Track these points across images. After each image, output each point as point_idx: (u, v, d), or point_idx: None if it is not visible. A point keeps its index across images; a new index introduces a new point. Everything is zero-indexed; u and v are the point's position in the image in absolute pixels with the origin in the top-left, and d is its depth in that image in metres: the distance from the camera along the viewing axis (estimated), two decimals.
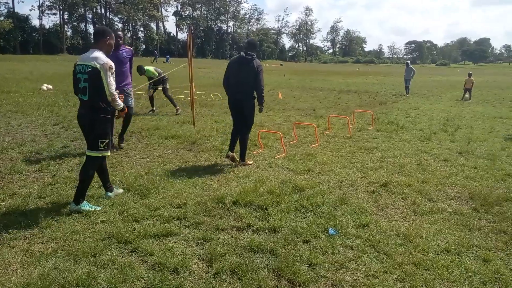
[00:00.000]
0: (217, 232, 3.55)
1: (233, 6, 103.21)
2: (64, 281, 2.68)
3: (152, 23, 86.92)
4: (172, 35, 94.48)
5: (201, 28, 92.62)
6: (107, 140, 3.99)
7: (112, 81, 3.84)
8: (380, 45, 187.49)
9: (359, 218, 3.91)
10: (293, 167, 5.73)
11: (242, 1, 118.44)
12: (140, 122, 8.99)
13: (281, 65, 68.17)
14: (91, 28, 79.11)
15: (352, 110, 11.63)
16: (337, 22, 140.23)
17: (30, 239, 3.33)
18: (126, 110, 4.17)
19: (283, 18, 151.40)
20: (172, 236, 3.45)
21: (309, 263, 3.05)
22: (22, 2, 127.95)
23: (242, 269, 2.89)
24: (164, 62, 50.74)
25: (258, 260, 3.08)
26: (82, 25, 77.47)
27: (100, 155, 3.99)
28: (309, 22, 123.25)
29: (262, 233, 3.54)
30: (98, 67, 3.76)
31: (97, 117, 3.87)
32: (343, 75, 34.86)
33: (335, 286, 2.79)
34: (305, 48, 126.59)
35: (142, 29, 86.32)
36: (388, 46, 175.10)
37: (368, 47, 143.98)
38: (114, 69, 3.88)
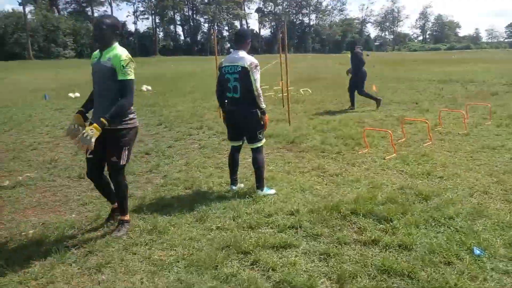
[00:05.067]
0: (340, 246, 3.22)
1: None
2: None
3: (236, 22, 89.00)
4: (255, 32, 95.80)
5: (282, 23, 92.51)
6: (262, 130, 4.34)
7: (258, 77, 4.15)
8: (476, 29, 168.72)
9: (507, 235, 3.30)
10: (409, 170, 5.17)
11: None
12: None
13: (367, 55, 65.17)
14: (179, 30, 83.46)
15: (461, 103, 10.46)
16: (426, 7, 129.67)
17: (150, 245, 3.32)
18: (267, 117, 4.35)
19: (367, 7, 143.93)
20: (291, 248, 3.20)
21: None
22: (120, 9, 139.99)
23: None
24: None
25: (395, 284, 2.69)
26: (172, 27, 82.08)
27: (262, 144, 4.39)
28: (395, 9, 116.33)
29: (392, 250, 3.13)
30: (247, 66, 4.09)
31: (250, 112, 4.19)
32: (438, 64, 32.14)
33: None
34: (392, 37, 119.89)
35: (226, 28, 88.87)
36: (486, 30, 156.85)
37: (462, 32, 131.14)
38: (259, 66, 4.19)
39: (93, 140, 3.08)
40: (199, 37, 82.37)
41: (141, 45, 70.51)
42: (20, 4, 54.90)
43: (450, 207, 3.89)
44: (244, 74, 4.10)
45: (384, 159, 5.72)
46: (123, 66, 3.22)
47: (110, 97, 3.29)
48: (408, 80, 17.94)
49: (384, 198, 4.15)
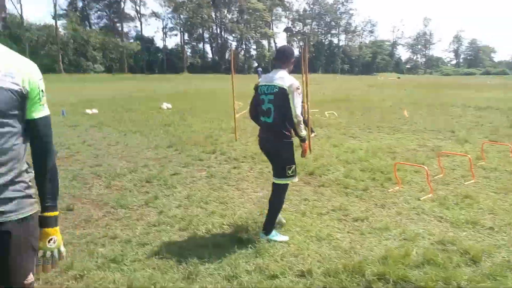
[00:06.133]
0: None
1: (344, 19, 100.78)
2: None
3: (263, 40, 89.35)
4: None
5: (311, 43, 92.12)
6: (294, 166, 3.69)
7: (299, 102, 3.55)
8: None
9: None
10: (450, 216, 4.30)
11: (354, 14, 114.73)
12: (252, 145, 8.29)
13: (398, 78, 63.96)
14: (207, 48, 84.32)
15: (504, 133, 9.43)
16: (460, 31, 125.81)
17: None
18: (307, 145, 3.78)
19: (398, 29, 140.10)
20: None
21: None
22: (149, 25, 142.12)
23: None
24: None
25: None
26: (200, 45, 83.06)
27: (289, 181, 3.72)
28: (428, 32, 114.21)
29: None
30: (285, 87, 3.52)
31: (282, 142, 3.62)
32: (474, 89, 30.67)
33: None
34: (424, 60, 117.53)
35: (254, 46, 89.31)
36: None
37: (498, 57, 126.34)
38: (301, 89, 3.62)
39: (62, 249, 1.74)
40: (227, 55, 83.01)
41: (169, 62, 71.41)
42: (53, 17, 56.94)
43: (508, 274, 3.03)
44: (281, 96, 3.53)
45: (419, 199, 4.86)
46: (42, 91, 1.67)
47: (7, 154, 1.55)
48: (442, 105, 16.86)
49: (420, 257, 3.32)
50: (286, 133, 3.61)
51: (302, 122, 3.61)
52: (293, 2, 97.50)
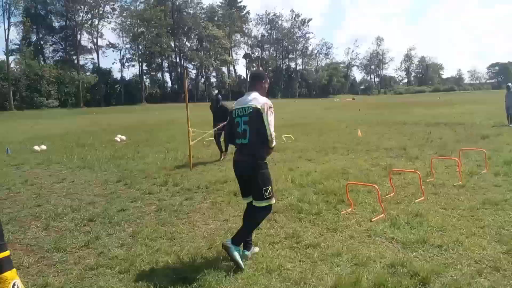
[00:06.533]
0: None
1: (301, 43, 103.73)
2: None
3: (223, 67, 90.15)
4: (242, 78, 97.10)
5: (270, 69, 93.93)
6: (270, 187, 3.76)
7: (272, 120, 3.69)
8: (459, 70, 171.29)
9: None
10: (401, 236, 4.26)
11: (310, 37, 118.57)
12: (208, 174, 8.10)
13: (353, 99, 66.17)
14: (167, 77, 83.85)
15: (452, 148, 9.76)
16: (411, 49, 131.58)
17: None
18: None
19: (352, 51, 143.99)
20: None
21: None
22: (106, 57, 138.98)
23: None
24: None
25: None
26: (159, 75, 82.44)
27: (267, 204, 3.75)
28: (380, 52, 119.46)
29: None
30: (259, 107, 3.63)
31: (257, 163, 3.69)
32: (424, 106, 32.16)
33: None
34: (377, 80, 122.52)
35: (214, 74, 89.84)
36: (468, 71, 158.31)
37: (446, 74, 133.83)
38: (273, 108, 3.71)
39: None
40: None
41: (127, 93, 70.00)
42: (5, 53, 54.38)
43: None
44: (256, 116, 3.64)
45: (371, 220, 4.82)
46: None
47: None
48: (395, 124, 17.45)
49: (370, 283, 3.21)
50: (262, 154, 3.71)
51: (274, 140, 3.72)
52: (252, 28, 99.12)
